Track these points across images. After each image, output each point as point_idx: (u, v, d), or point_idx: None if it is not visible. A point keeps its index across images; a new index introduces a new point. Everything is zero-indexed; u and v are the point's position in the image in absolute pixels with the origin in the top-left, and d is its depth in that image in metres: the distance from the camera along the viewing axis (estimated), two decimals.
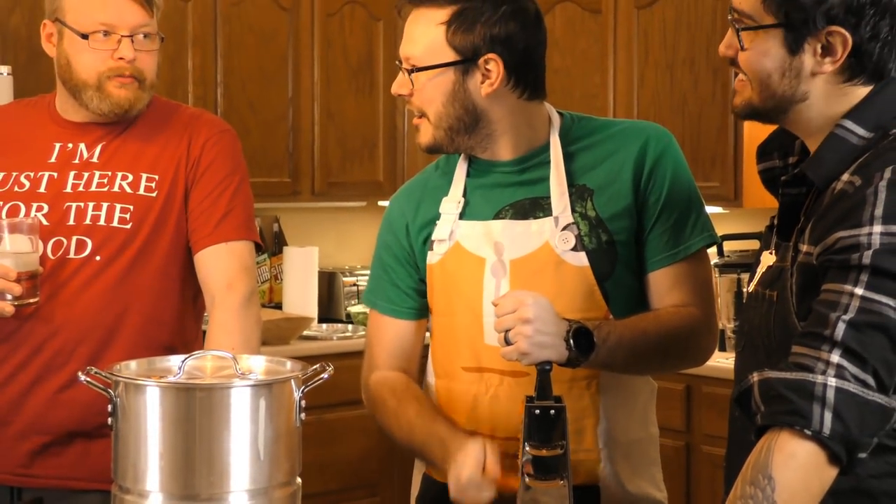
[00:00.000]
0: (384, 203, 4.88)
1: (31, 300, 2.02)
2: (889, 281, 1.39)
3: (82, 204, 2.10)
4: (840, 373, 1.39)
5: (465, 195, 1.96)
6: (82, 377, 1.58)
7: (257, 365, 1.65)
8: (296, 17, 4.54)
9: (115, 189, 2.11)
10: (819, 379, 1.39)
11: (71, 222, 2.09)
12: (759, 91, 1.53)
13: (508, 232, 1.90)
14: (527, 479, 1.66)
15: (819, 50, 1.49)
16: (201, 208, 2.14)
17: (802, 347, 1.43)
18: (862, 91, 1.52)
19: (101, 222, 2.09)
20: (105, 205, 2.10)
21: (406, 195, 2.06)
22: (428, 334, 2.05)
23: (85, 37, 2.08)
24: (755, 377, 1.45)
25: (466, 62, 1.85)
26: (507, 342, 1.72)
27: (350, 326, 4.59)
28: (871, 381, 1.39)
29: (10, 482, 2.09)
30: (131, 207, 2.10)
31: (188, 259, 2.16)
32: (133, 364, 1.63)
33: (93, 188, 2.11)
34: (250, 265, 2.17)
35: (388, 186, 4.77)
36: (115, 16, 2.07)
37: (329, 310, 4.80)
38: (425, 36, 1.86)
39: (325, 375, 1.61)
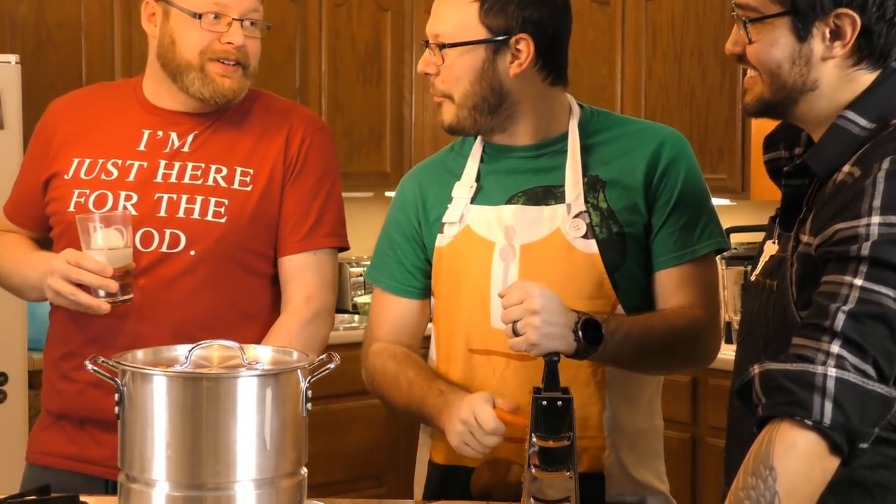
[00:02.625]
0: (391, 194, 4.87)
1: (126, 297, 1.95)
2: (888, 271, 1.39)
3: (174, 196, 2.05)
4: (840, 363, 1.39)
5: (478, 180, 1.96)
6: (89, 366, 1.57)
7: (264, 355, 1.66)
8: (303, 7, 4.54)
9: (210, 182, 2.06)
10: (819, 369, 1.39)
11: (162, 214, 2.04)
12: (770, 83, 1.53)
13: (520, 217, 1.91)
14: (533, 470, 1.66)
15: (828, 34, 1.49)
16: (292, 212, 2.10)
17: (803, 339, 1.43)
18: (866, 77, 1.51)
19: (195, 216, 2.04)
20: (199, 198, 2.05)
21: (419, 175, 2.06)
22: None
23: (197, 16, 2.02)
24: (756, 369, 1.45)
25: (498, 41, 1.85)
26: (515, 333, 1.72)
27: (356, 317, 4.58)
28: (871, 371, 1.39)
29: (106, 475, 2.05)
30: (226, 201, 2.05)
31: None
32: (140, 353, 1.63)
33: (185, 180, 2.06)
34: (333, 278, 2.15)
35: (394, 177, 4.77)
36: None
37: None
38: (457, 13, 1.87)
39: (331, 366, 1.61)
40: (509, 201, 1.93)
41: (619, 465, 1.91)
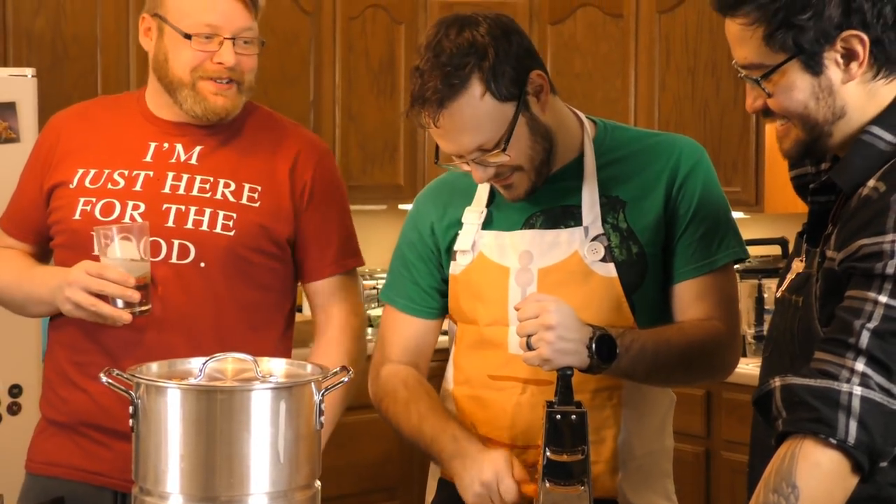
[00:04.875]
0: (404, 206, 4.88)
1: (145, 308, 1.95)
2: None
3: (183, 207, 2.05)
4: (865, 381, 1.38)
5: (490, 204, 1.95)
6: (104, 378, 1.57)
7: (277, 368, 1.65)
8: (317, 20, 4.55)
9: (218, 196, 2.06)
10: (844, 387, 1.38)
11: (170, 224, 2.04)
12: (803, 125, 1.51)
13: (537, 241, 1.89)
14: (547, 485, 1.65)
15: (840, 60, 1.48)
16: (315, 238, 2.12)
17: (826, 354, 1.42)
18: (886, 89, 1.50)
19: (204, 227, 2.04)
20: (208, 210, 2.04)
21: (434, 194, 2.04)
22: (444, 337, 2.05)
23: (188, 37, 2.02)
24: (777, 382, 1.44)
25: (521, 99, 1.81)
26: (529, 347, 1.71)
27: (370, 330, 4.58)
28: (895, 390, 1.38)
29: (117, 486, 2.04)
30: (234, 215, 2.05)
31: (289, 276, 2.14)
32: (154, 366, 1.63)
33: (194, 192, 2.06)
34: (361, 291, 2.23)
35: (408, 190, 4.77)
36: (221, 17, 2.01)
37: None
38: (481, 116, 1.79)
39: (344, 379, 1.60)
40: (527, 222, 1.91)
41: (628, 487, 1.90)
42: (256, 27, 2.08)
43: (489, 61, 1.78)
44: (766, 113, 1.54)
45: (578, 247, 1.87)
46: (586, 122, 1.95)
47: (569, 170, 1.91)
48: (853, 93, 1.50)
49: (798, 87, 1.49)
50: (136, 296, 1.93)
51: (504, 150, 1.80)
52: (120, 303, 1.94)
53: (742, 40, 1.49)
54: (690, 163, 1.90)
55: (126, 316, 1.94)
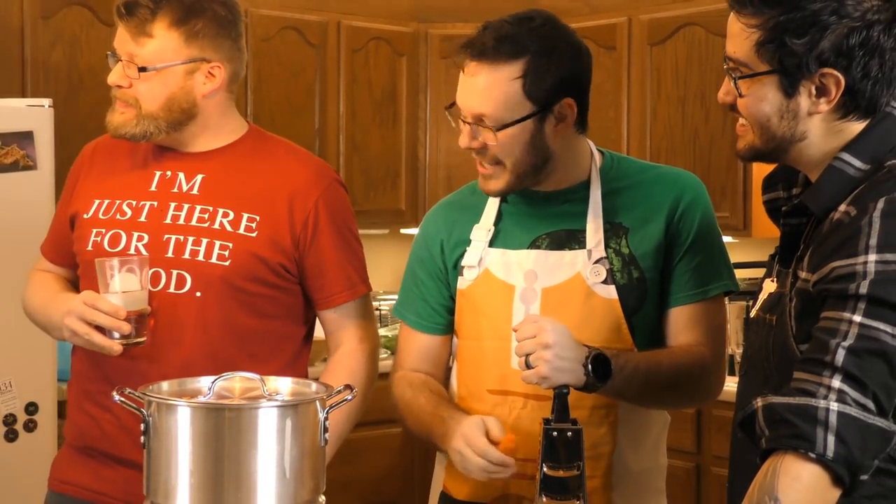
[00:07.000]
0: (406, 231, 4.90)
1: (139, 340, 1.95)
2: (886, 309, 1.39)
3: (181, 237, 2.02)
4: (841, 397, 1.38)
5: (498, 222, 1.95)
6: (116, 397, 1.57)
7: (284, 386, 1.65)
8: (323, 52, 4.57)
9: (216, 226, 2.02)
10: (821, 403, 1.38)
11: (169, 254, 2.01)
12: (760, 134, 1.53)
13: (542, 261, 1.90)
14: (544, 499, 1.65)
15: (814, 91, 1.49)
16: (323, 268, 2.05)
17: (804, 373, 1.42)
18: (856, 126, 1.52)
19: (200, 258, 2.00)
20: (205, 240, 2.01)
21: (443, 213, 2.04)
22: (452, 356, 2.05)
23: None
24: (759, 402, 1.45)
25: (544, 110, 1.82)
26: (528, 366, 1.72)
27: None
28: (871, 405, 1.39)
29: None
30: (230, 245, 2.00)
31: (296, 304, 2.09)
32: (165, 384, 1.63)
33: (193, 222, 2.03)
34: (374, 316, 2.16)
35: (409, 214, 4.78)
36: (116, 38, 2.01)
37: None
38: (501, 92, 1.80)
39: (349, 397, 1.61)
40: (533, 243, 1.91)
41: (622, 502, 1.90)
42: (144, 54, 1.99)
43: (543, 61, 1.80)
44: (732, 108, 1.55)
45: (581, 269, 1.88)
46: (595, 153, 1.96)
47: (575, 195, 1.92)
48: (816, 124, 1.51)
49: (768, 101, 1.50)
50: (126, 327, 1.92)
51: (496, 131, 1.81)
52: (116, 333, 1.93)
53: (738, 37, 1.51)
54: (691, 195, 1.92)
55: (117, 347, 1.93)
